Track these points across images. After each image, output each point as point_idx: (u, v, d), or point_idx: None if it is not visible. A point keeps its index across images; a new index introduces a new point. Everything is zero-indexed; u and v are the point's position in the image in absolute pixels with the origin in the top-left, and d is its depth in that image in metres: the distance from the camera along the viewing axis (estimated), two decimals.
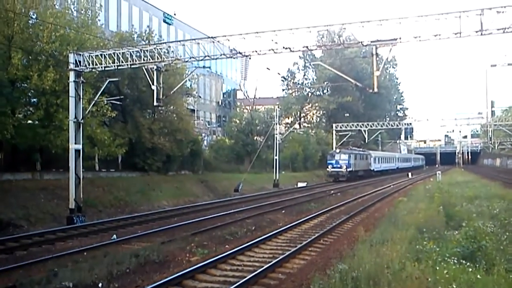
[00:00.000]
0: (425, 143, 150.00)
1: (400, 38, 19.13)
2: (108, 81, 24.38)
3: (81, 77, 22.80)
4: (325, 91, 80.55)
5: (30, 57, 24.84)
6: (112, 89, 30.46)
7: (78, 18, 28.17)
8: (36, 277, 11.33)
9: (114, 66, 22.37)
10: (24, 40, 24.40)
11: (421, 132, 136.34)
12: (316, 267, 12.21)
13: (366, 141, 68.41)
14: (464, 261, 9.63)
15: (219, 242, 16.42)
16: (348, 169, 54.72)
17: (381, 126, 68.55)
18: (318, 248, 15.18)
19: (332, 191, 38.57)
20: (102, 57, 22.42)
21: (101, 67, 22.55)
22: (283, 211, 25.33)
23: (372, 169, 65.44)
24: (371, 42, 20.00)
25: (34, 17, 25.28)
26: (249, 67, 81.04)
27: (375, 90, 21.28)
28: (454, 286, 7.82)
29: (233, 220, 21.56)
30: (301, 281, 10.96)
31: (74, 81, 22.27)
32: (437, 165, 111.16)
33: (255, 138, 57.92)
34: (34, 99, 26.04)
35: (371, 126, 65.95)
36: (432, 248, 11.07)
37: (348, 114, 74.08)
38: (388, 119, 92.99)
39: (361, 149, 64.48)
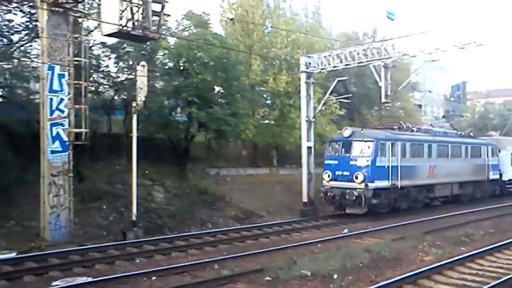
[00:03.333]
0: None
1: None
2: (336, 80, 25.18)
3: (311, 78, 24.05)
4: None
5: (266, 63, 27.28)
6: (339, 88, 31.36)
7: (307, 22, 29.87)
8: (278, 263, 12.41)
9: (342, 65, 22.87)
10: (261, 48, 26.96)
11: None
12: None
13: None
14: None
15: (453, 243, 15.57)
16: (370, 182, 20.74)
17: None
18: None
19: None
20: (330, 57, 23.26)
21: (330, 67, 23.39)
22: None
23: (500, 179, 30.50)
24: None
25: (269, 26, 27.70)
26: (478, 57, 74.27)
27: None
28: None
29: (466, 221, 20.19)
30: None
31: (305, 82, 23.60)
32: None
33: (490, 133, 53.08)
34: (269, 101, 28.55)
35: None
36: None
37: None
38: None
39: (450, 129, 29.91)
